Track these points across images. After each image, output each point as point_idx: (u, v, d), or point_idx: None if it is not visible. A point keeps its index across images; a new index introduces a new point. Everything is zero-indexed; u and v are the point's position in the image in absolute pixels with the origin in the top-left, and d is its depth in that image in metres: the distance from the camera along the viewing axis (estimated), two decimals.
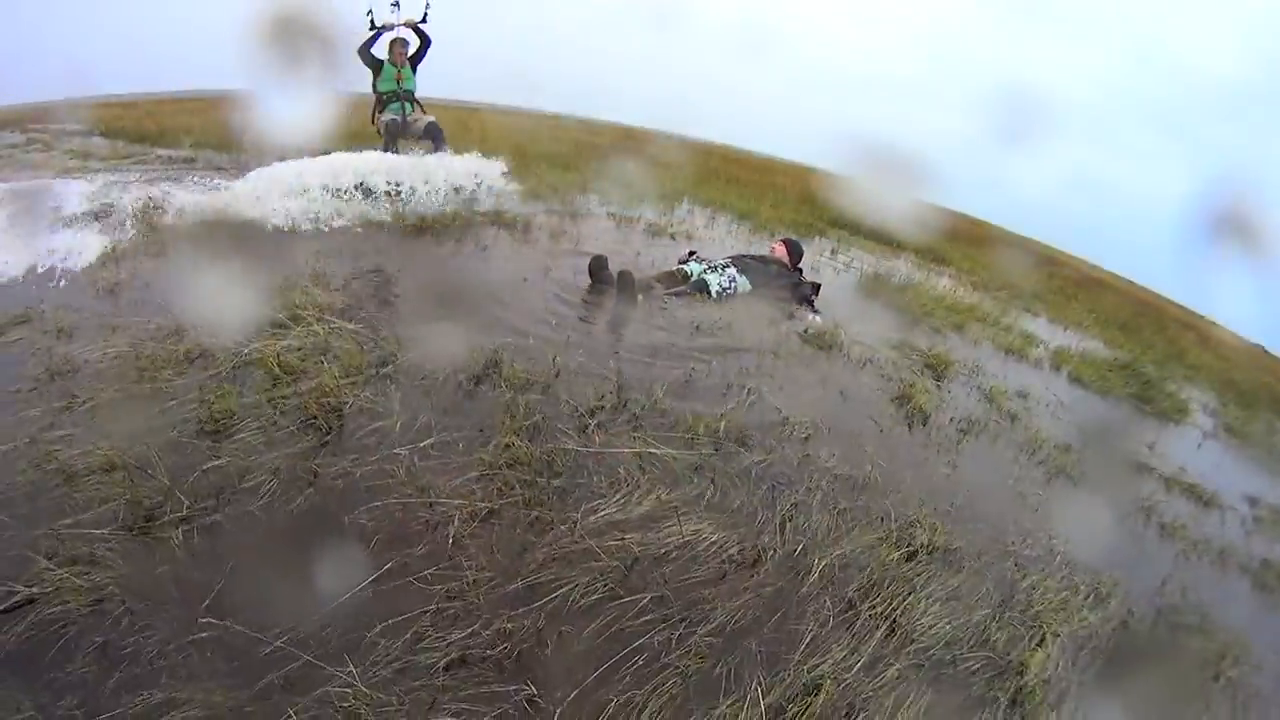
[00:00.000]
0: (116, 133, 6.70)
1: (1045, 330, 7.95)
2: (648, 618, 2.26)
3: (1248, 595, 3.95)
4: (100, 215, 4.19)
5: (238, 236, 3.97)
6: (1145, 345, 8.67)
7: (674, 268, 5.42)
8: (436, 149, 7.04)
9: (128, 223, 4.07)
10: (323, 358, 3.06)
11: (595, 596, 2.26)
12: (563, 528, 2.43)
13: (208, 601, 2.07)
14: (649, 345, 4.12)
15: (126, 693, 1.86)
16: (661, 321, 4.58)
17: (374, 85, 6.79)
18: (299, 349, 3.11)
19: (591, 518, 2.52)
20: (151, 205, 4.22)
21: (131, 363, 3.01)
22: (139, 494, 2.36)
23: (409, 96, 6.94)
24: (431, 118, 7.07)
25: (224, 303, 3.28)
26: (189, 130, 6.88)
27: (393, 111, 6.86)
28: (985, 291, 7.85)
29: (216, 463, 2.53)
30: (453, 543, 2.30)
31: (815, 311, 5.52)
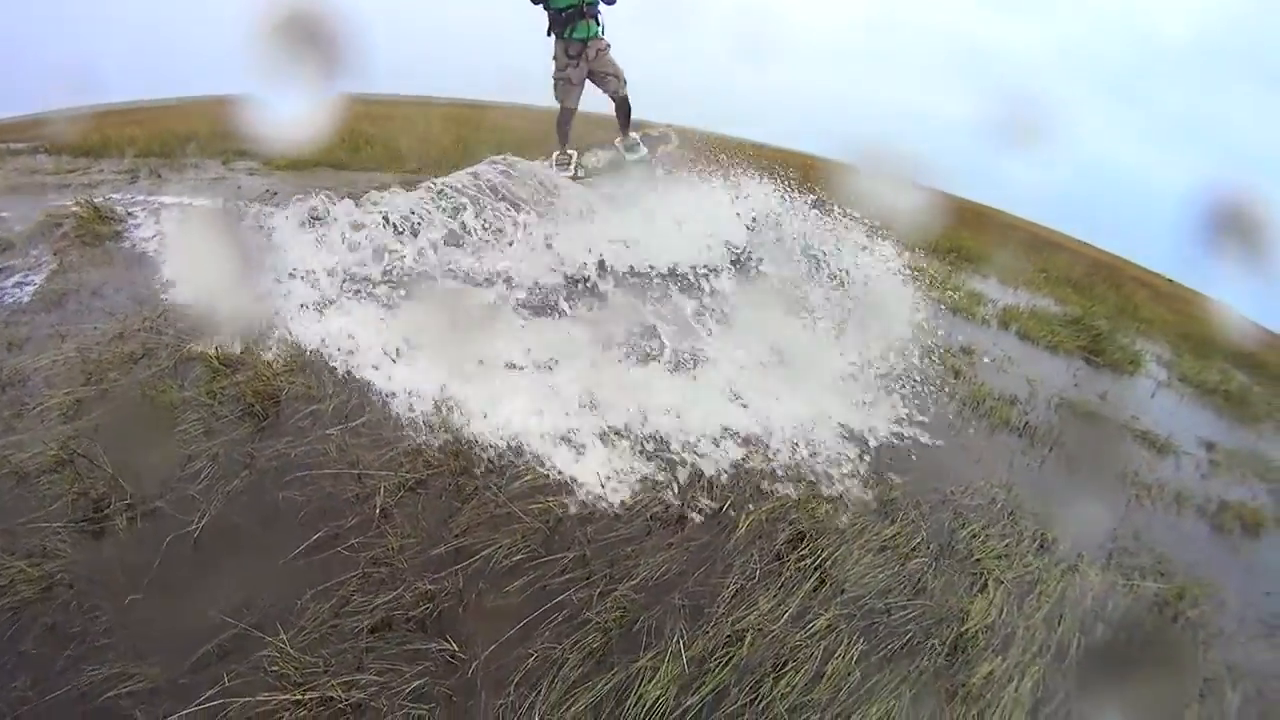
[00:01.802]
0: (60, 148, 6.86)
1: (995, 290, 8.05)
2: (569, 575, 2.44)
3: (1206, 537, 4.10)
4: (46, 231, 4.37)
5: (179, 240, 4.14)
6: (1097, 301, 8.76)
7: None
8: (627, 144, 6.08)
9: (71, 236, 4.26)
10: (260, 348, 3.23)
11: (517, 557, 2.45)
12: (487, 493, 2.61)
13: (149, 580, 2.26)
14: None
15: (74, 671, 2.05)
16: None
17: (546, 5, 5.67)
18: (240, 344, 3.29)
19: (516, 483, 2.70)
20: (96, 216, 4.39)
21: (79, 367, 3.19)
22: (87, 487, 2.54)
23: (593, 13, 5.71)
24: (620, 76, 5.84)
25: (167, 303, 3.47)
26: (132, 141, 7.04)
27: (578, 36, 5.66)
28: (933, 255, 7.94)
29: (162, 453, 2.72)
30: (380, 512, 2.49)
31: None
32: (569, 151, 6.04)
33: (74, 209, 4.44)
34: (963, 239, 9.10)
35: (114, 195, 5.03)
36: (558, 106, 5.86)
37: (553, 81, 5.79)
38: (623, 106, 5.91)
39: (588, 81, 5.76)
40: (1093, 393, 5.25)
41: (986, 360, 5.21)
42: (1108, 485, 4.09)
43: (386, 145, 7.40)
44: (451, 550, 2.42)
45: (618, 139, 6.10)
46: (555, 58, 5.74)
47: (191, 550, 2.37)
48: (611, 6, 5.67)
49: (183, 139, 7.02)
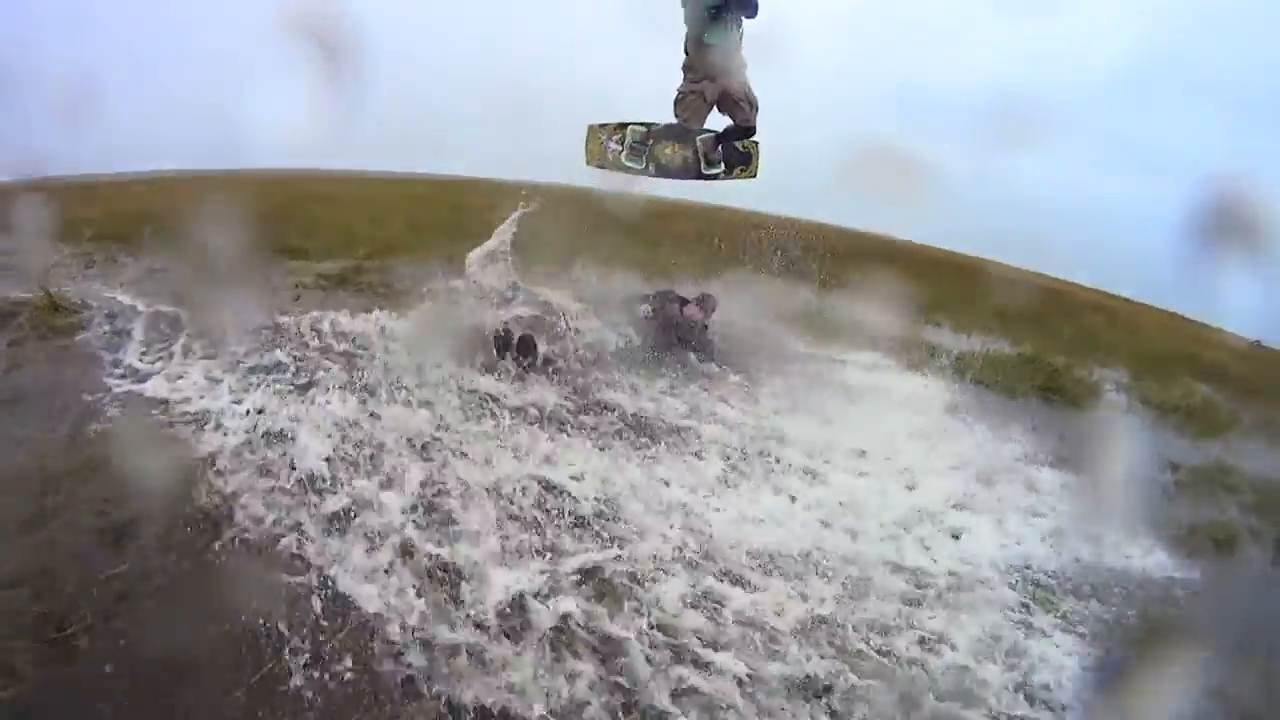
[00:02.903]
0: (8, 225, 6.74)
1: (949, 338, 8.39)
2: None
3: (1177, 566, 4.22)
4: (3, 320, 4.49)
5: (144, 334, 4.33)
6: (1052, 335, 9.15)
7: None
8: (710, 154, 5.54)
9: (28, 328, 4.41)
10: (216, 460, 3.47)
11: None
12: None
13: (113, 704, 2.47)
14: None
15: None
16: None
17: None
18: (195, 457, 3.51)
19: None
20: (52, 307, 4.54)
21: (36, 476, 3.39)
22: (48, 605, 2.74)
23: (736, 18, 5.03)
24: (755, 102, 5.30)
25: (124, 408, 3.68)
26: (90, 222, 6.99)
27: (717, 38, 5.01)
28: (886, 308, 8.29)
29: (119, 569, 2.94)
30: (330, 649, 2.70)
31: (710, 359, 6.13)
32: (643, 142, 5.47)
33: (30, 297, 4.57)
34: (915, 288, 9.42)
35: (70, 283, 5.17)
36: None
37: (678, 95, 5.23)
38: (744, 131, 5.43)
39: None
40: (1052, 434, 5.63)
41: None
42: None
43: (337, 228, 7.55)
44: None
45: (702, 139, 5.50)
46: (688, 68, 5.15)
47: (154, 671, 2.58)
48: (751, 19, 5.03)
49: (139, 221, 7.05)
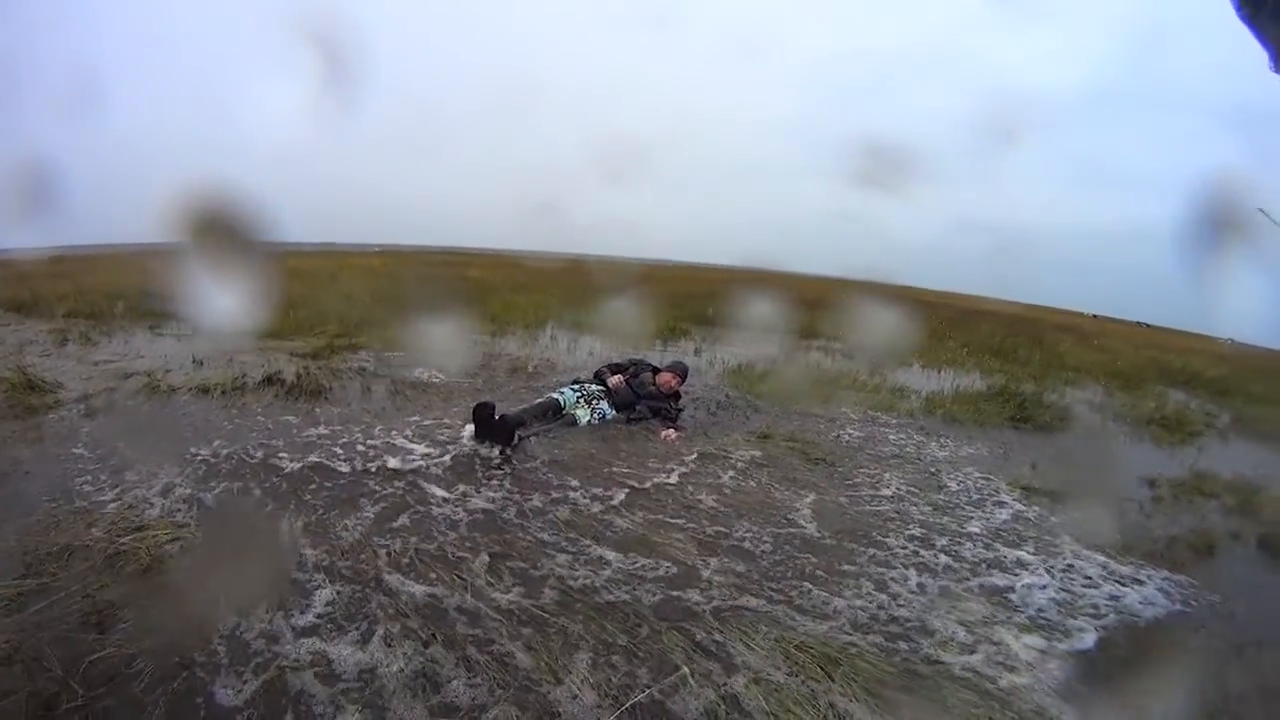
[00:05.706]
0: None
1: (918, 379, 8.81)
2: None
3: (1159, 582, 4.37)
4: None
5: (118, 415, 4.68)
6: (1020, 364, 9.56)
7: (548, 396, 6.47)
8: None
9: (4, 406, 4.74)
10: (193, 545, 3.84)
11: None
12: None
13: None
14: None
15: None
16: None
17: None
18: (171, 538, 3.89)
19: None
20: (27, 385, 4.88)
21: (19, 558, 3.73)
22: (37, 686, 3.09)
23: None
24: None
25: (100, 491, 4.04)
26: (62, 298, 7.31)
27: None
28: (853, 356, 8.70)
29: (103, 653, 3.29)
30: None
31: (677, 426, 6.54)
32: None
33: (5, 375, 4.92)
34: (883, 333, 9.79)
35: (44, 359, 5.51)
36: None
37: None
38: None
39: None
40: (1022, 464, 5.87)
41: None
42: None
43: (308, 306, 7.88)
44: None
45: None
46: None
47: None
48: None
49: (111, 298, 7.41)
